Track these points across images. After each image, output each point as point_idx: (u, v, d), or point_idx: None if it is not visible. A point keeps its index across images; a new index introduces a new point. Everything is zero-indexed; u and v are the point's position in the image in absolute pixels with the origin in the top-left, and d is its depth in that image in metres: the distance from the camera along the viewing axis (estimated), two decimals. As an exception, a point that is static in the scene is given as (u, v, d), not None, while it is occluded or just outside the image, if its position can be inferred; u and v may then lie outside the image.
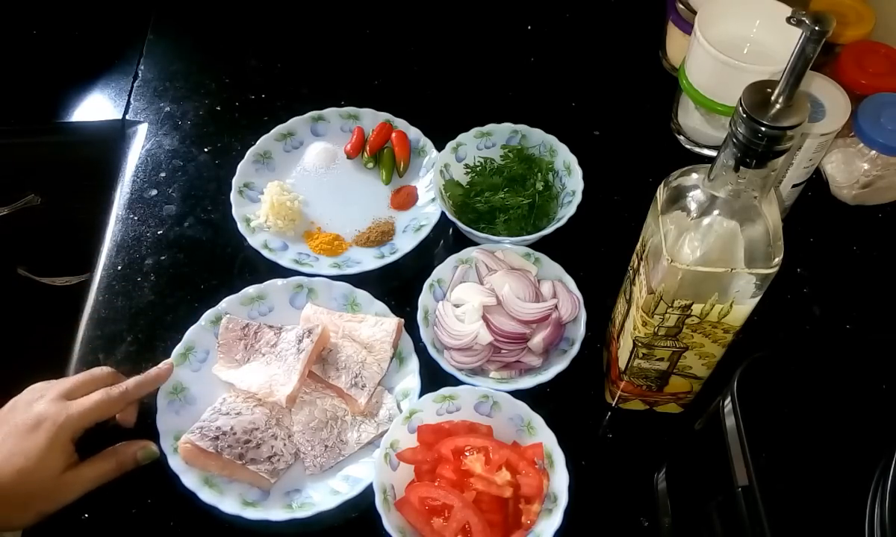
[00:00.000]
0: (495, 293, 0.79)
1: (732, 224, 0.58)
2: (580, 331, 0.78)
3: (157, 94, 1.06)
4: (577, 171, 0.89)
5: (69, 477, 0.68)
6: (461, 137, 0.93)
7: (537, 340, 0.78)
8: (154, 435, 0.72)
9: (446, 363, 0.76)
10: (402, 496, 0.68)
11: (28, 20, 1.15)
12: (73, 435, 0.68)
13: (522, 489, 0.68)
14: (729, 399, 0.59)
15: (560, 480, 0.68)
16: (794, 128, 0.52)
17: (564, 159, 0.91)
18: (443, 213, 0.87)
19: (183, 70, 1.09)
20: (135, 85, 1.07)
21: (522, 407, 0.72)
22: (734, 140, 0.54)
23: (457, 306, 0.79)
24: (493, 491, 0.67)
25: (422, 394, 0.74)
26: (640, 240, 0.67)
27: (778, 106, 0.52)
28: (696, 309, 0.62)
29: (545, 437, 0.71)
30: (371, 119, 0.98)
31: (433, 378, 0.77)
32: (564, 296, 0.80)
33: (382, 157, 0.96)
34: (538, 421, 0.72)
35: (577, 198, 0.86)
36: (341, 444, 0.74)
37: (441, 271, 0.82)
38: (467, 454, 0.70)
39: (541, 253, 0.83)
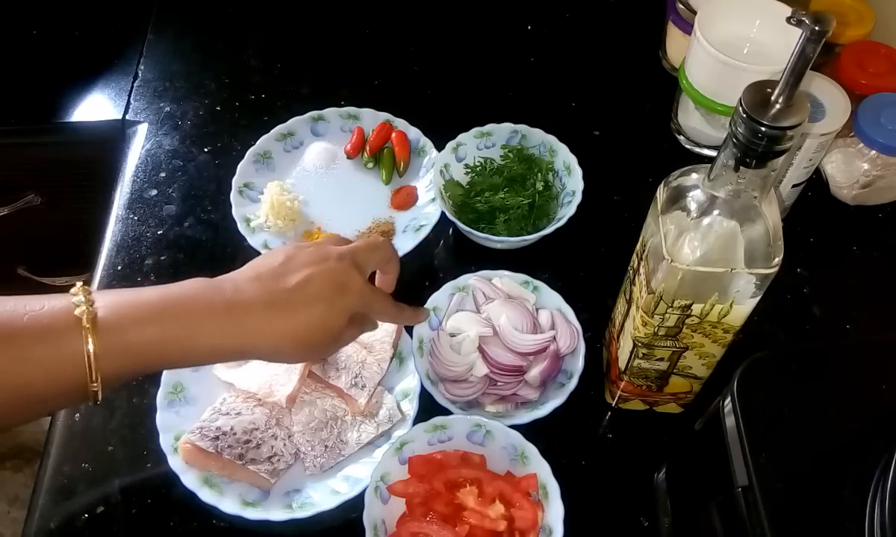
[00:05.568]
0: (492, 323, 0.77)
1: (732, 224, 0.58)
2: (579, 364, 0.75)
3: (157, 94, 1.06)
4: (577, 171, 0.89)
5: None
6: (461, 137, 0.93)
7: (534, 373, 0.75)
8: (154, 435, 0.72)
9: (441, 396, 0.74)
10: (393, 532, 0.67)
11: (28, 20, 1.15)
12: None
13: (517, 522, 0.66)
14: (729, 399, 0.59)
15: (555, 513, 0.66)
16: (794, 128, 0.52)
17: (564, 159, 0.91)
18: (443, 213, 0.87)
19: (183, 70, 1.09)
20: (135, 85, 1.07)
21: (516, 437, 0.70)
22: (734, 140, 0.54)
23: (452, 336, 0.78)
24: (486, 525, 0.66)
25: (421, 394, 0.75)
26: (640, 240, 0.67)
27: (778, 106, 0.52)
28: (696, 309, 0.62)
29: (539, 468, 0.69)
30: (371, 119, 0.98)
31: (433, 378, 0.76)
32: (563, 327, 0.78)
33: (382, 157, 0.96)
34: (532, 450, 0.69)
35: (577, 198, 0.86)
36: (341, 444, 0.74)
37: (437, 298, 0.80)
38: (460, 487, 0.68)
39: (539, 281, 0.81)
